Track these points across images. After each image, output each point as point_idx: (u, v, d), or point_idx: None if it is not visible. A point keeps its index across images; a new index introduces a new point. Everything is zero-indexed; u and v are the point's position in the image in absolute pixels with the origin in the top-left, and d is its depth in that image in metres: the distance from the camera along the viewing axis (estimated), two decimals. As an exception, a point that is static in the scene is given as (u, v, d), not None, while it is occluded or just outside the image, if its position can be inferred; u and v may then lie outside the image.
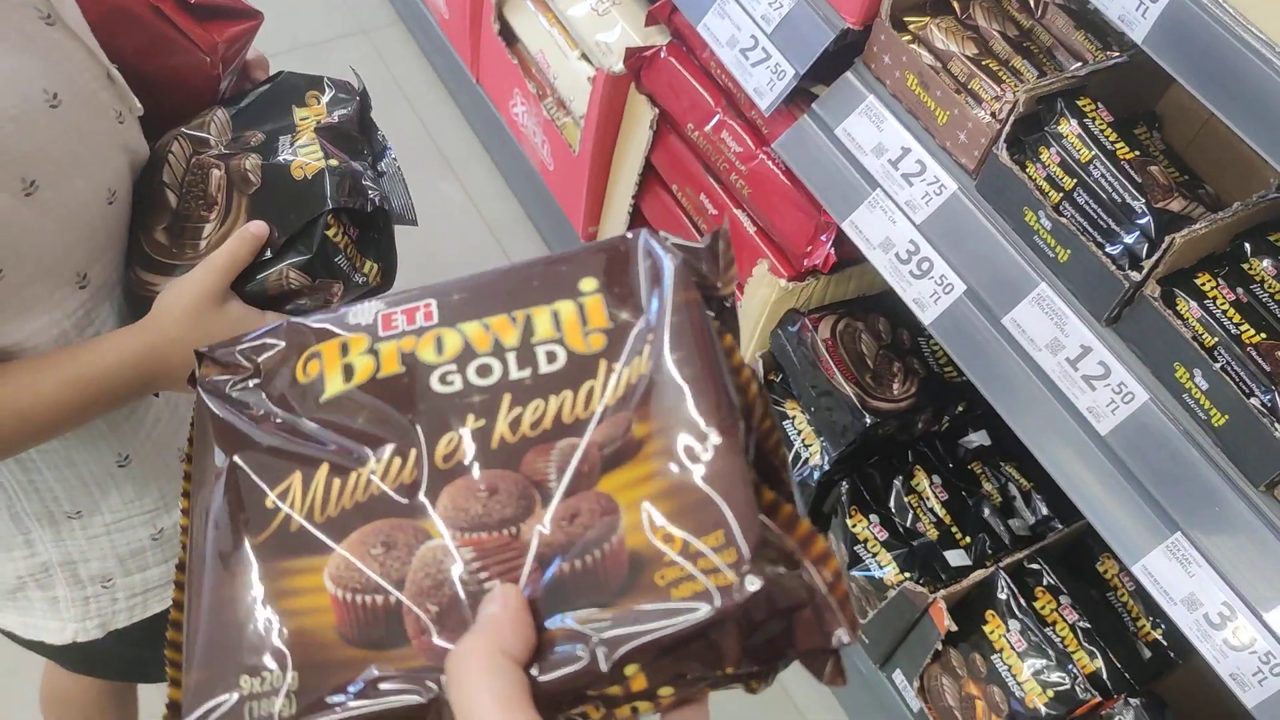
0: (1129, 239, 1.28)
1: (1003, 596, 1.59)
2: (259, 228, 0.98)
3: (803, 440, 1.74)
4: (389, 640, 0.48)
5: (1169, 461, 1.26)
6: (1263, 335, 1.22)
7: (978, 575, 1.61)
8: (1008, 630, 1.57)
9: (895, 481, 1.72)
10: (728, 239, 0.56)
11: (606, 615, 0.47)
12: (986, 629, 1.59)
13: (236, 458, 0.53)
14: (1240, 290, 1.27)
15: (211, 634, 0.49)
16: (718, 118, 1.77)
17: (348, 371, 0.55)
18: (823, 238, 1.66)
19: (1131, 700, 1.52)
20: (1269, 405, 1.18)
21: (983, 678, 1.58)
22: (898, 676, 1.73)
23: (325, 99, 1.10)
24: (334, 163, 1.02)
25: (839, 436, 1.67)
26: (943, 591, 1.58)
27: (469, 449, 0.52)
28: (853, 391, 1.65)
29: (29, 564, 1.11)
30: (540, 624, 0.47)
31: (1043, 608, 1.60)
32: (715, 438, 0.50)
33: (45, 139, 0.90)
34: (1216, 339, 1.23)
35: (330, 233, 1.01)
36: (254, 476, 0.53)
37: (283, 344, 0.56)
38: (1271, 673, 1.19)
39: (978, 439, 1.81)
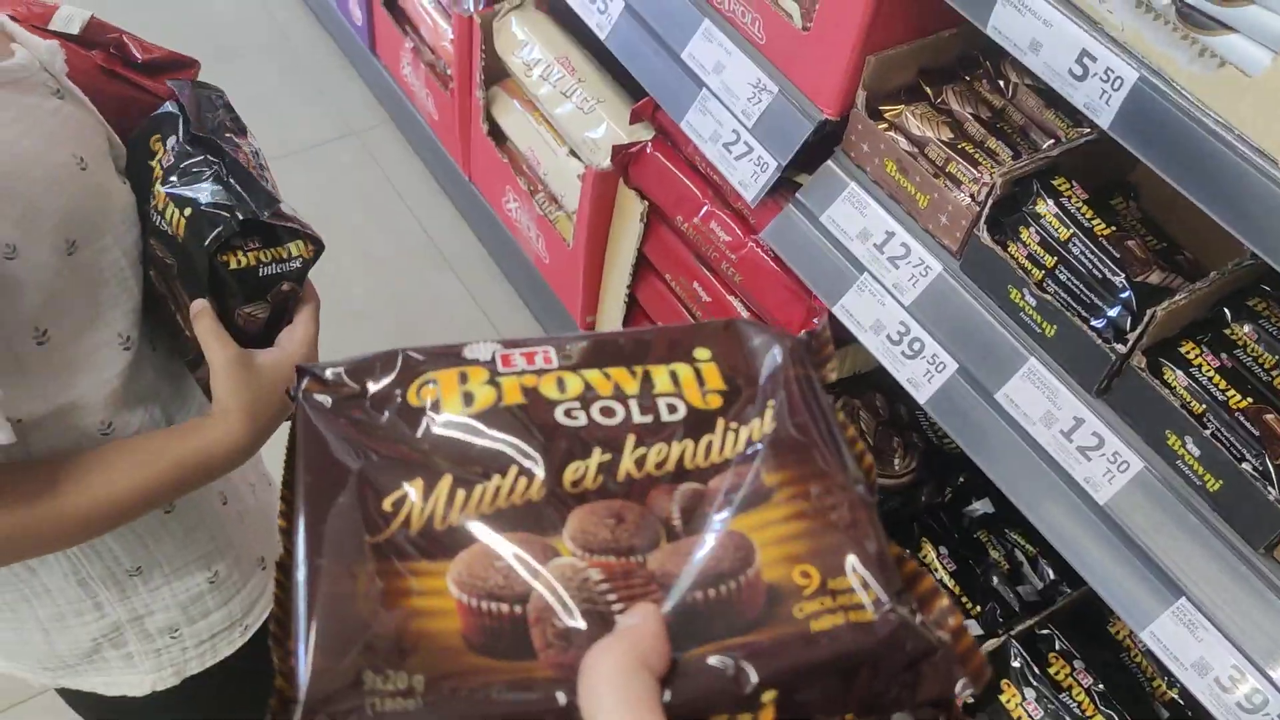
0: (1112, 313, 1.31)
1: (1016, 665, 1.60)
2: (199, 306, 1.04)
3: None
4: (515, 651, 0.48)
5: (1169, 528, 1.28)
6: (1249, 400, 1.25)
7: (991, 644, 1.62)
8: (1024, 699, 1.58)
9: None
10: (828, 334, 0.59)
11: (745, 641, 0.47)
12: (1003, 698, 1.60)
13: (347, 460, 0.53)
14: (1225, 356, 1.30)
15: (330, 626, 0.48)
16: (706, 209, 1.81)
17: (468, 399, 0.55)
18: (815, 321, 1.69)
19: (1152, 762, 1.53)
20: (1260, 469, 1.21)
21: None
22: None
23: (164, 136, 1.08)
24: (188, 211, 1.02)
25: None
26: (957, 664, 1.59)
27: (595, 478, 0.53)
28: (855, 470, 1.67)
29: (100, 625, 1.17)
30: (673, 650, 0.47)
31: (1057, 674, 1.61)
32: (848, 489, 0.52)
33: (80, 200, 0.98)
34: (1205, 406, 1.26)
35: (235, 262, 1.03)
36: (366, 482, 0.52)
37: (392, 371, 0.56)
38: (1285, 733, 1.20)
39: (981, 507, 1.83)
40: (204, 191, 1.03)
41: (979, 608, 1.71)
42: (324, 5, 3.09)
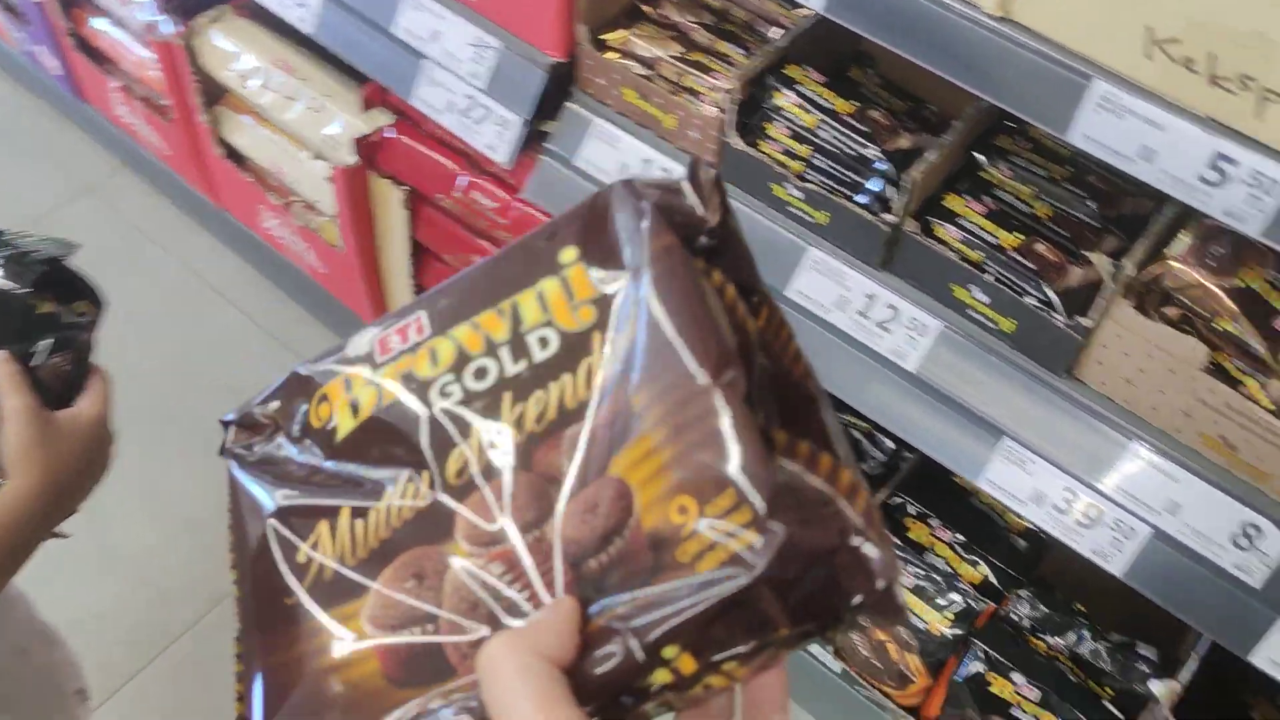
0: (874, 186, 1.33)
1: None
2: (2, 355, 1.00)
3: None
4: (436, 674, 0.48)
5: (978, 377, 1.31)
6: (1019, 236, 1.29)
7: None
8: (892, 571, 1.61)
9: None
10: (707, 166, 0.53)
11: (638, 602, 0.45)
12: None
13: (269, 520, 0.53)
14: (987, 199, 1.33)
15: (271, 703, 0.49)
16: (464, 180, 1.76)
17: (354, 407, 0.54)
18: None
19: (1022, 593, 1.59)
20: (1044, 299, 1.25)
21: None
22: (813, 646, 1.76)
23: None
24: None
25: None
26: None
27: (480, 458, 0.50)
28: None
29: None
30: (584, 625, 0.46)
31: (917, 537, 1.65)
32: (711, 390, 0.46)
33: None
34: (980, 253, 1.29)
35: (44, 308, 1.04)
36: (286, 533, 0.53)
37: (297, 395, 0.56)
38: (1126, 536, 1.25)
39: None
40: (5, 245, 1.04)
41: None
42: (15, 64, 2.87)
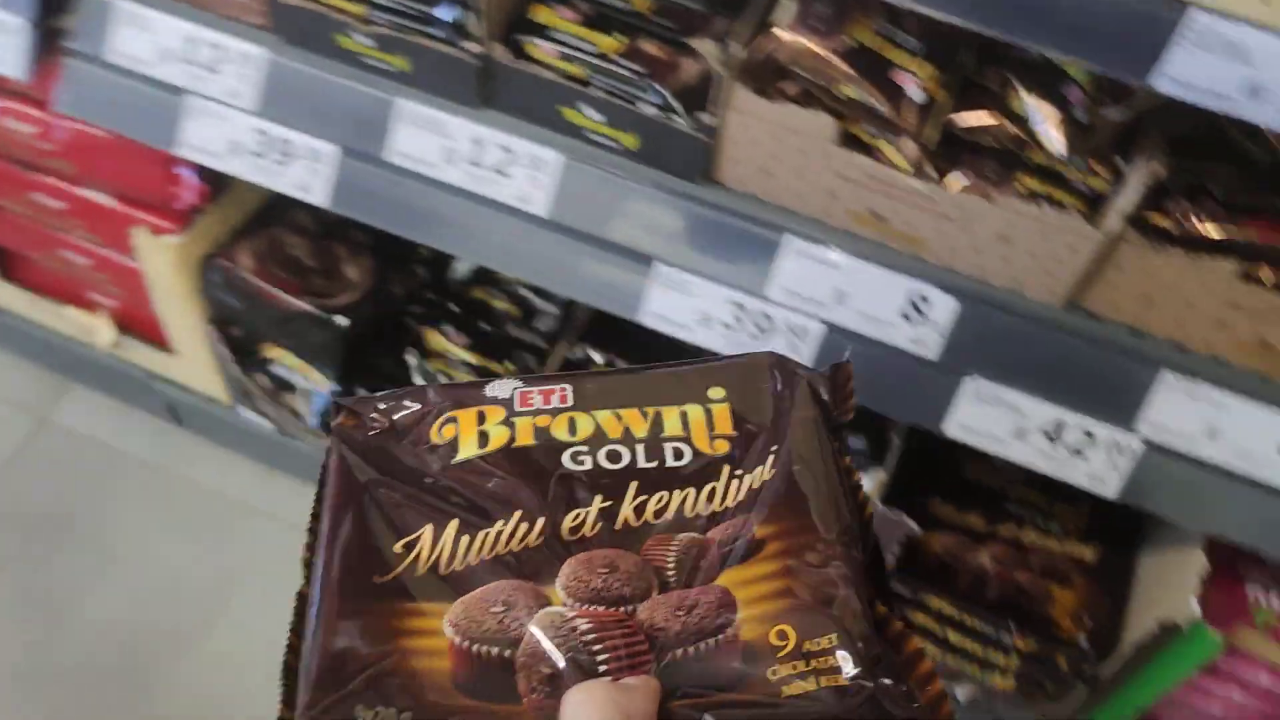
0: (445, 15, 1.14)
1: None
2: None
3: (301, 374, 1.56)
4: (501, 695, 0.51)
5: (616, 205, 1.18)
6: (620, 38, 1.14)
7: (536, 394, 1.52)
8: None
9: (409, 358, 1.58)
10: (849, 372, 0.61)
11: (721, 700, 0.49)
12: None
13: (368, 497, 0.57)
14: (579, 3, 1.17)
15: (328, 660, 0.52)
16: (-12, 107, 1.45)
17: (483, 438, 0.58)
18: (178, 171, 1.42)
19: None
20: (662, 103, 1.11)
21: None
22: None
23: None
24: None
25: (328, 355, 1.50)
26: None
27: (594, 525, 0.56)
28: (309, 303, 1.46)
29: None
30: (662, 703, 0.49)
31: (607, 386, 1.54)
32: (835, 548, 0.54)
33: None
34: (583, 66, 1.13)
35: None
36: (383, 520, 0.56)
37: (418, 406, 0.60)
38: (800, 338, 1.17)
39: (462, 265, 1.69)
40: None
41: (509, 363, 1.59)
42: None
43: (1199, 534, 1.30)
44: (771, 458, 0.57)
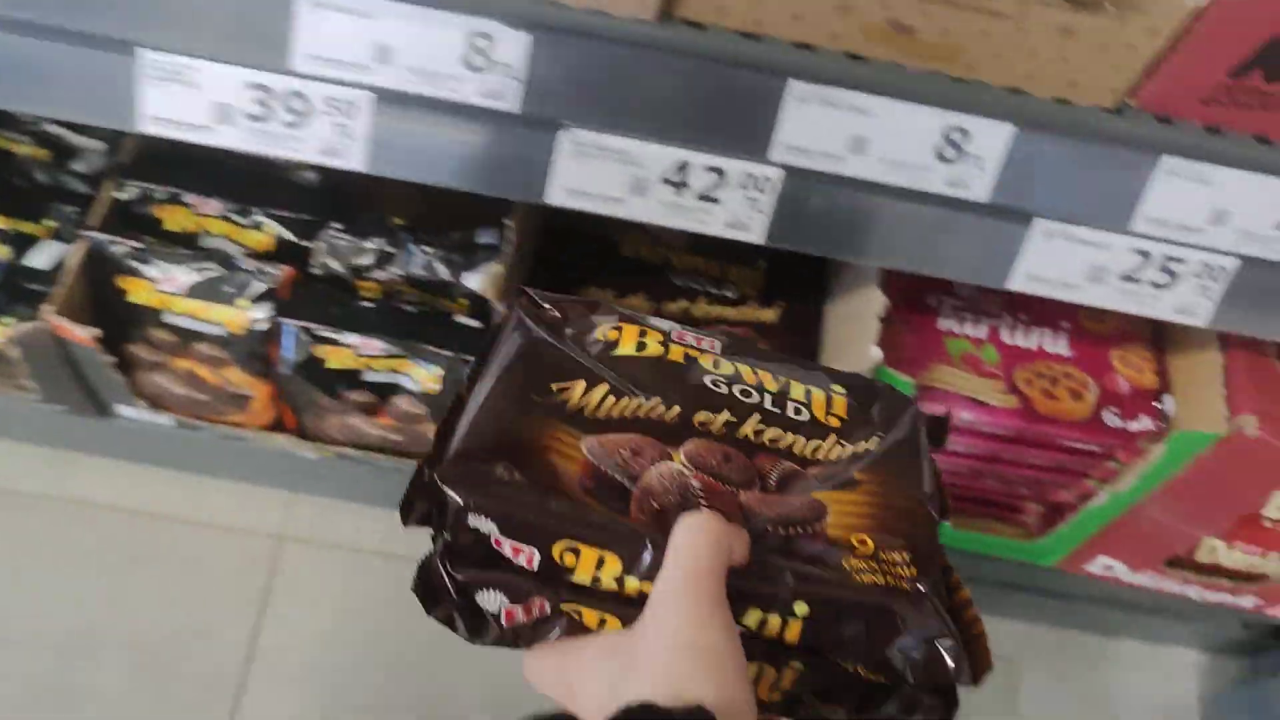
0: None
1: (121, 250, 1.20)
2: None
3: None
4: (615, 505, 0.62)
5: None
6: None
7: (78, 254, 1.20)
8: (167, 281, 1.20)
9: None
10: (950, 423, 0.79)
11: (800, 571, 0.60)
12: (133, 298, 1.21)
13: (537, 346, 0.69)
14: None
15: (485, 427, 0.64)
16: None
17: (640, 345, 0.70)
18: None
19: (325, 239, 1.24)
20: None
21: (178, 344, 1.23)
22: (125, 410, 1.35)
23: None
24: None
25: None
26: (52, 308, 1.17)
27: (720, 427, 0.67)
28: None
29: None
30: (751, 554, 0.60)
31: (180, 226, 1.24)
32: (922, 503, 0.67)
33: None
34: None
35: None
36: (545, 365, 0.68)
37: (588, 312, 0.73)
38: (349, 117, 0.90)
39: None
40: None
41: (53, 222, 1.26)
42: None
43: (874, 270, 1.14)
44: (876, 439, 0.69)
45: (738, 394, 0.69)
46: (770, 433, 0.67)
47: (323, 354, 1.18)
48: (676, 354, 0.70)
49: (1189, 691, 1.75)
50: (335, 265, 1.23)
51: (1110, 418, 1.15)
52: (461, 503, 0.60)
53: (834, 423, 0.70)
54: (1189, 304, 0.98)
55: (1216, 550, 1.37)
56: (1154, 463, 1.13)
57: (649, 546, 0.59)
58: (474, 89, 0.88)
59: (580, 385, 0.66)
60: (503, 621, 0.61)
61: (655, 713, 0.51)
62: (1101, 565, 1.38)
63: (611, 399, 0.66)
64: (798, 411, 0.69)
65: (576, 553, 0.60)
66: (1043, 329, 1.21)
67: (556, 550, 0.60)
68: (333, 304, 1.18)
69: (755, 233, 0.94)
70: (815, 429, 0.69)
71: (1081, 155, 0.90)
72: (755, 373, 0.71)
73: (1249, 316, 0.99)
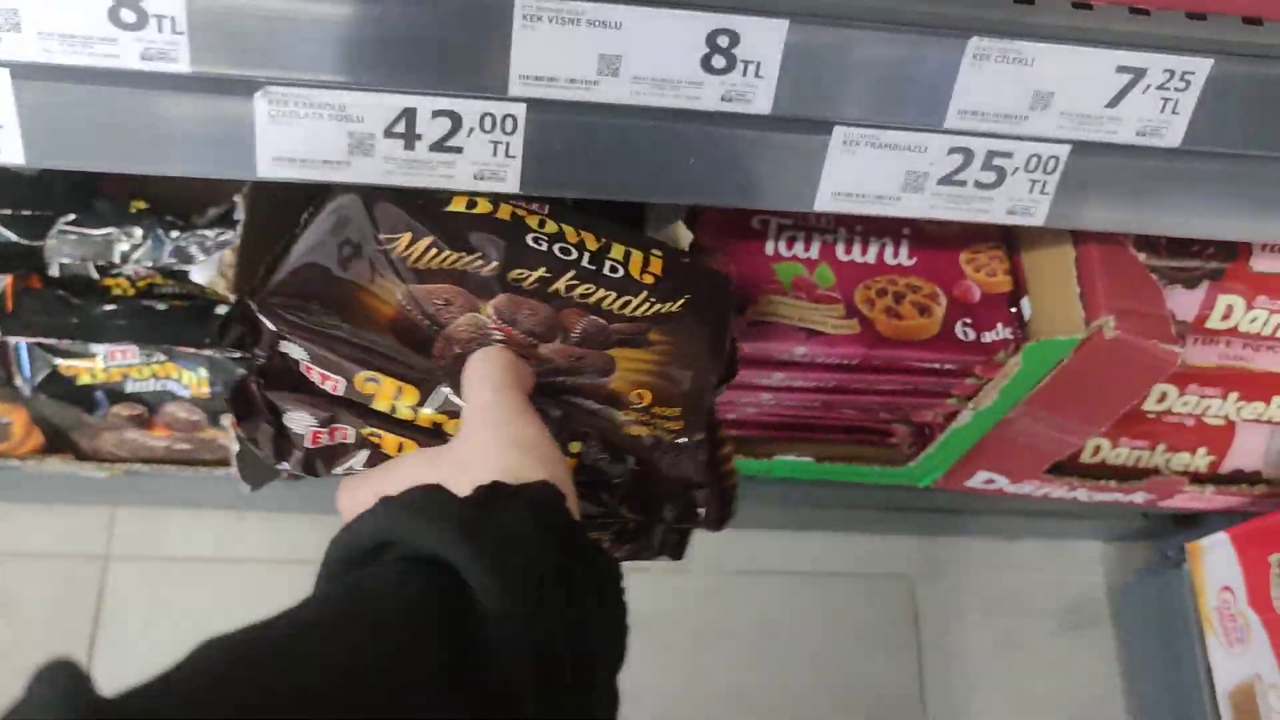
0: None
1: None
2: None
3: None
4: (419, 348, 0.69)
5: None
6: None
7: None
8: None
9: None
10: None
11: (579, 406, 0.70)
12: None
13: (369, 195, 0.75)
14: None
15: (303, 269, 0.72)
16: None
17: (470, 203, 0.77)
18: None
19: (52, 241, 1.07)
20: None
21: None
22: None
23: None
24: None
25: None
26: None
27: (532, 282, 0.74)
28: None
29: None
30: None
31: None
32: (708, 371, 0.75)
33: None
34: None
35: None
36: (375, 215, 0.75)
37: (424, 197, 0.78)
38: None
39: None
40: None
41: None
42: None
43: (678, 208, 1.00)
44: (683, 300, 0.77)
45: (557, 251, 0.76)
46: (582, 289, 0.74)
47: (70, 370, 1.02)
48: (505, 212, 0.77)
49: (1096, 584, 1.68)
50: (74, 265, 1.06)
51: (963, 331, 1.03)
52: (274, 329, 0.67)
53: (648, 279, 0.77)
54: (1022, 202, 0.85)
55: (1101, 449, 1.27)
56: (1013, 376, 1.02)
57: (444, 382, 0.67)
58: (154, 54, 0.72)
59: (406, 237, 0.74)
60: (308, 443, 0.68)
61: (505, 489, 0.53)
62: (982, 480, 1.28)
63: (434, 251, 0.73)
64: (613, 270, 0.77)
65: (377, 382, 0.67)
66: (882, 239, 1.08)
67: (359, 379, 0.67)
68: (69, 312, 1.01)
69: (509, 181, 0.80)
70: (628, 285, 0.76)
71: (873, 46, 0.76)
72: (579, 233, 0.78)
73: (1091, 208, 0.86)
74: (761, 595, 1.59)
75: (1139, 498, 1.29)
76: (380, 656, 0.40)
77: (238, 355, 0.86)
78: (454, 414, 0.68)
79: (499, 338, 0.70)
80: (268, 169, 0.78)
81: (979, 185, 0.84)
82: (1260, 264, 1.05)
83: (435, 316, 0.71)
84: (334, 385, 0.68)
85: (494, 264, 0.73)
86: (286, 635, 0.41)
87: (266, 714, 0.36)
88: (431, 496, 0.51)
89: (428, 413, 0.67)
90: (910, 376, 1.06)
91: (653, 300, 0.76)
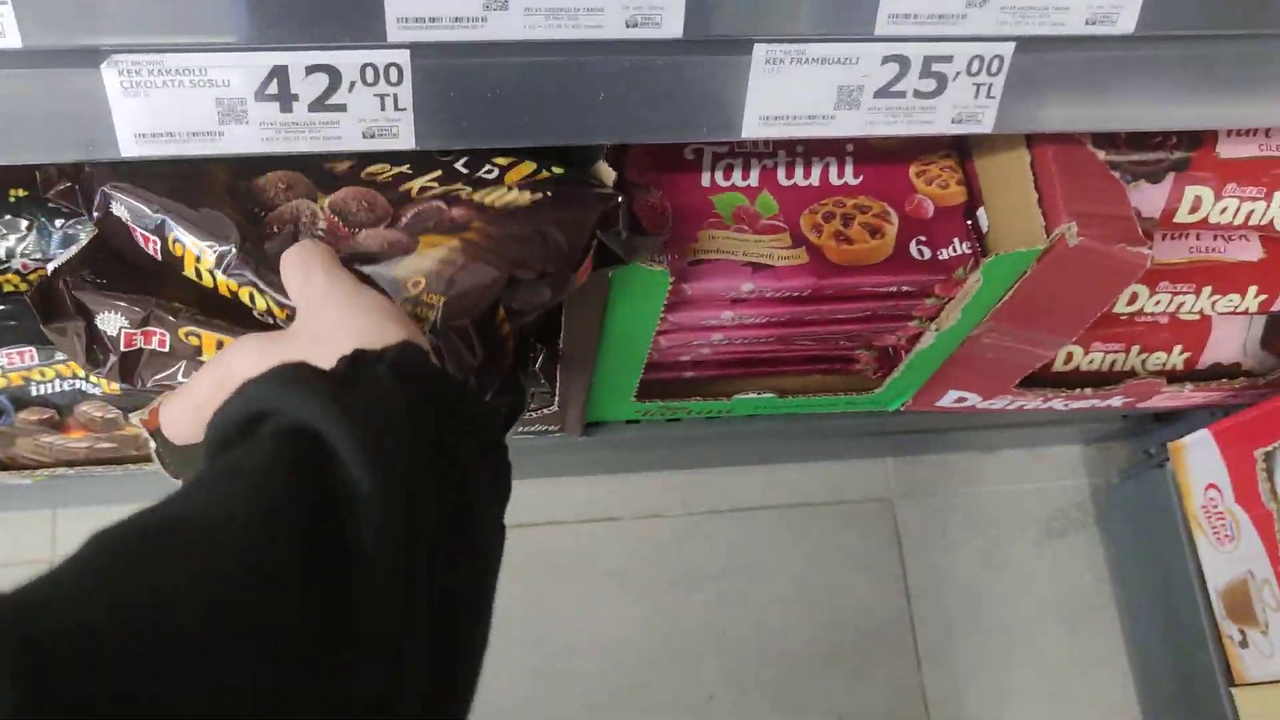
0: None
1: None
2: None
3: None
4: (250, 219, 0.73)
5: None
6: None
7: None
8: None
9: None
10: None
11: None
12: None
13: None
14: None
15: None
16: None
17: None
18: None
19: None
20: None
21: None
22: None
23: None
24: None
25: None
26: None
27: (388, 176, 0.77)
28: None
29: None
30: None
31: None
32: (503, 266, 0.73)
33: None
34: None
35: None
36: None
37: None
38: None
39: None
40: None
41: None
42: None
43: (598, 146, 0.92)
44: (532, 195, 0.77)
45: (435, 151, 0.78)
46: (443, 189, 0.76)
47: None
48: None
49: (1079, 488, 1.64)
50: (-43, 262, 0.98)
51: (918, 250, 0.97)
52: (109, 191, 0.71)
53: (517, 176, 0.78)
54: (968, 109, 0.78)
55: (1074, 356, 1.22)
56: (974, 293, 0.95)
57: (243, 243, 0.70)
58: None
59: None
60: (122, 345, 0.67)
61: (368, 355, 0.52)
62: (953, 399, 1.23)
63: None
64: (489, 172, 0.78)
65: (182, 244, 0.70)
66: (825, 158, 1.01)
67: (170, 238, 0.71)
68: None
69: (403, 138, 0.72)
70: (495, 183, 0.77)
71: (788, -49, 0.68)
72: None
73: (1042, 108, 0.79)
74: (737, 533, 1.54)
75: (1116, 402, 1.24)
76: (248, 549, 0.42)
77: (65, 211, 0.90)
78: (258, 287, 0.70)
79: (324, 225, 0.74)
80: (131, 148, 0.70)
81: (919, 95, 0.77)
82: (1227, 150, 0.98)
83: (269, 204, 0.75)
84: (155, 247, 0.71)
85: (348, 163, 0.77)
86: (161, 529, 0.43)
87: (133, 622, 0.37)
88: (299, 369, 0.51)
89: (225, 279, 0.70)
90: (866, 303, 1.00)
91: (514, 189, 0.77)
